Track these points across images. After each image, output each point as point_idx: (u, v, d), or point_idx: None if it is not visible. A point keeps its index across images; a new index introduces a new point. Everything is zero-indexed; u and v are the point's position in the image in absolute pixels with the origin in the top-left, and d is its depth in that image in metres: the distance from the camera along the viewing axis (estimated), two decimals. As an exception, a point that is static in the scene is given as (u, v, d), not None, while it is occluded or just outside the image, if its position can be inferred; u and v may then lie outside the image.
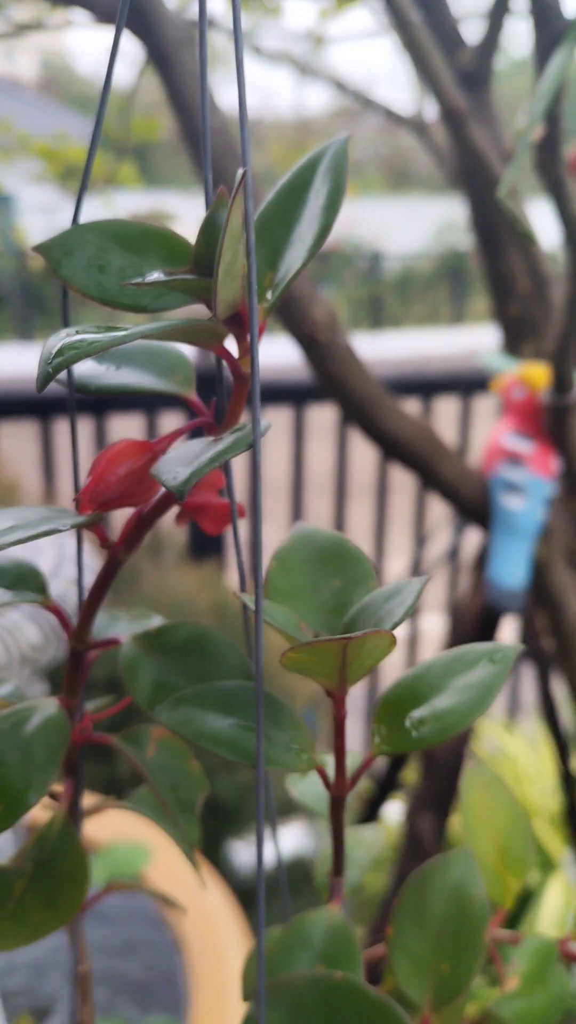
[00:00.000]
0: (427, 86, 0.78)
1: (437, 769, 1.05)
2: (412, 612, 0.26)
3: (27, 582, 0.30)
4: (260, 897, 0.26)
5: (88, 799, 0.36)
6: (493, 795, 0.37)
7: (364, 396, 0.81)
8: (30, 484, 1.54)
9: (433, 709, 0.27)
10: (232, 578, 1.74)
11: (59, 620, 0.30)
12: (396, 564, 2.19)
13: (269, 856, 1.60)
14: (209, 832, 1.51)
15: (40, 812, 0.32)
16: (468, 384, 1.89)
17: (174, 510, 0.31)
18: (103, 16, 0.72)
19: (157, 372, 0.30)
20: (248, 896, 1.52)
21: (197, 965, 1.06)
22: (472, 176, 0.89)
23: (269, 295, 0.27)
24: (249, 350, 0.27)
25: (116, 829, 1.01)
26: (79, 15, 0.91)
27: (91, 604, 0.30)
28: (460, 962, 0.30)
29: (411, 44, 0.72)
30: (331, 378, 0.81)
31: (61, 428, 1.58)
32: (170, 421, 1.72)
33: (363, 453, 1.95)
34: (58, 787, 0.33)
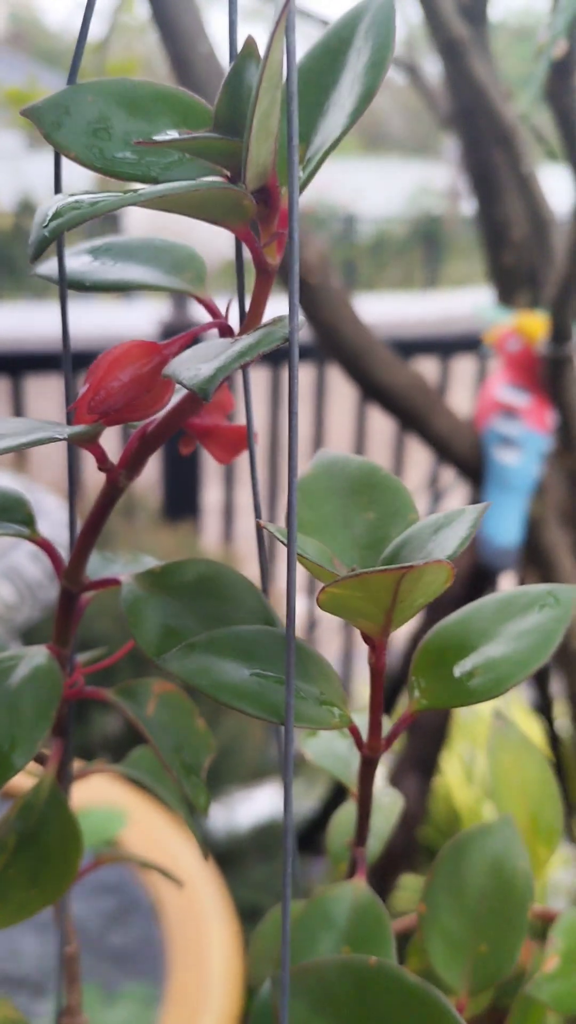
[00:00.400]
0: (427, 16, 0.74)
1: (421, 729, 1.02)
2: (467, 544, 0.22)
3: (12, 513, 0.26)
4: (287, 870, 0.23)
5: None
6: (522, 757, 0.34)
7: (356, 345, 0.77)
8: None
9: (485, 657, 0.23)
10: (208, 540, 1.70)
11: (50, 557, 0.26)
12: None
13: (243, 818, 1.57)
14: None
15: (20, 778, 0.28)
16: (447, 346, 1.86)
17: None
18: None
19: (164, 269, 0.25)
20: (223, 859, 1.50)
21: (175, 931, 1.03)
22: (470, 114, 0.84)
23: (300, 172, 0.23)
24: (276, 235, 0.23)
25: (89, 792, 0.98)
26: None
27: (85, 538, 0.26)
28: (501, 942, 0.27)
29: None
30: (321, 324, 0.77)
31: (32, 386, 1.52)
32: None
33: (340, 416, 1.92)
34: (44, 749, 0.29)
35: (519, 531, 0.88)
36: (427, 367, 1.84)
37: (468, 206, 0.93)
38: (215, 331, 0.25)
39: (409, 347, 1.79)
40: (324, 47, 0.24)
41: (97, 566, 0.29)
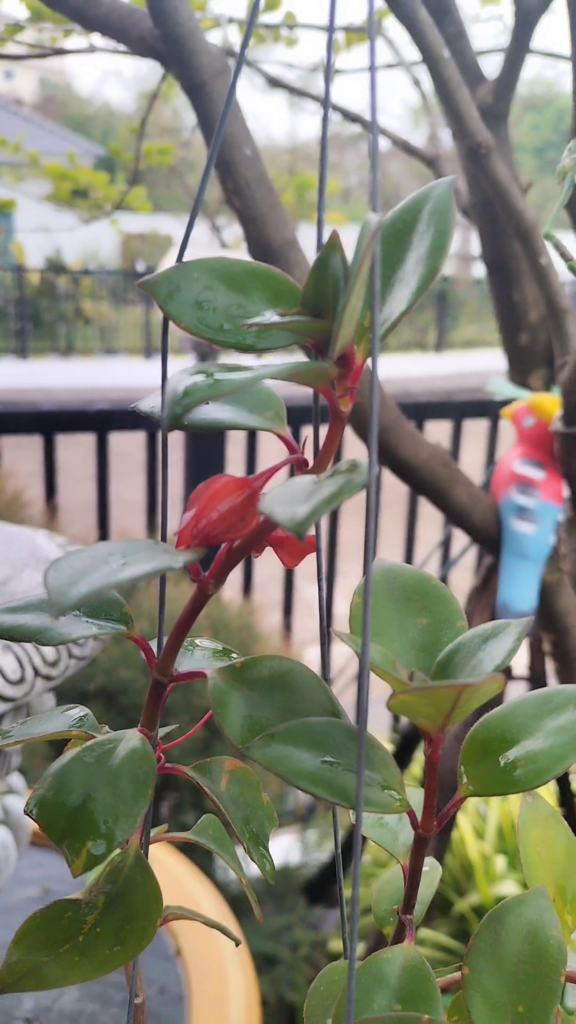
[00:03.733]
0: (452, 121, 0.79)
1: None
2: (513, 656, 0.26)
3: (111, 612, 0.30)
4: (352, 939, 0.26)
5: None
6: (550, 831, 0.37)
7: (383, 422, 0.82)
8: (29, 497, 1.54)
9: (526, 751, 0.27)
10: (229, 595, 1.74)
11: (145, 653, 0.30)
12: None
13: (258, 868, 1.59)
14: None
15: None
16: (460, 408, 1.91)
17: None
18: (135, 47, 0.73)
19: (248, 408, 0.30)
20: (239, 906, 1.51)
21: (195, 977, 1.05)
22: (489, 208, 0.90)
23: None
24: (349, 390, 0.27)
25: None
26: (102, 41, 0.91)
27: (176, 636, 0.30)
28: (537, 1004, 0.30)
29: (440, 80, 0.73)
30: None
31: (62, 443, 1.57)
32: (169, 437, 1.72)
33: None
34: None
35: (535, 597, 0.92)
36: (441, 428, 1.90)
37: (479, 268, 0.99)
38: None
39: (423, 410, 1.85)
40: (391, 228, 0.28)
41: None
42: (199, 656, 0.33)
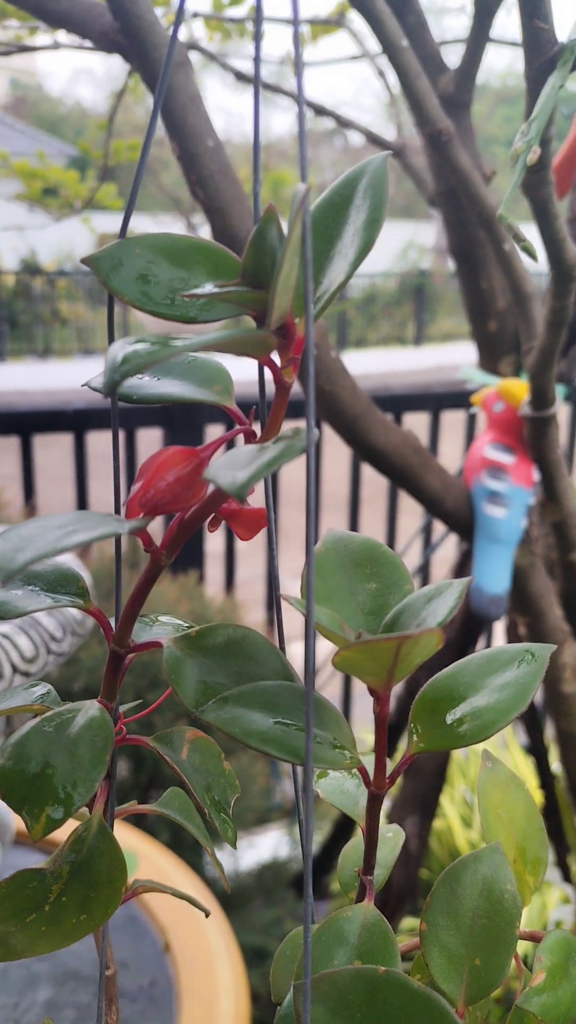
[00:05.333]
0: (413, 110, 0.80)
1: (420, 772, 1.06)
2: (455, 613, 0.27)
3: (69, 586, 0.31)
4: (307, 897, 0.27)
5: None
6: (510, 794, 0.38)
7: (353, 410, 0.83)
8: (7, 499, 1.54)
9: (472, 707, 0.28)
10: (210, 591, 1.74)
11: (101, 625, 0.30)
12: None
13: (247, 863, 1.59)
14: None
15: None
16: (438, 400, 1.92)
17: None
18: (97, 41, 0.73)
19: (197, 382, 0.30)
20: (226, 901, 1.52)
21: (185, 971, 1.05)
22: (454, 197, 0.91)
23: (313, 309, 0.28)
24: (292, 360, 0.28)
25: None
26: (67, 37, 0.91)
27: (132, 608, 0.30)
28: (493, 956, 0.31)
29: (400, 69, 0.74)
30: (320, 391, 0.82)
31: (41, 445, 1.57)
32: (147, 435, 1.73)
33: (336, 466, 1.97)
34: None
35: (508, 580, 0.93)
36: (419, 420, 1.91)
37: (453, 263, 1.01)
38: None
39: (401, 402, 1.86)
40: (329, 203, 0.29)
41: (137, 629, 0.34)
42: (158, 631, 0.34)
